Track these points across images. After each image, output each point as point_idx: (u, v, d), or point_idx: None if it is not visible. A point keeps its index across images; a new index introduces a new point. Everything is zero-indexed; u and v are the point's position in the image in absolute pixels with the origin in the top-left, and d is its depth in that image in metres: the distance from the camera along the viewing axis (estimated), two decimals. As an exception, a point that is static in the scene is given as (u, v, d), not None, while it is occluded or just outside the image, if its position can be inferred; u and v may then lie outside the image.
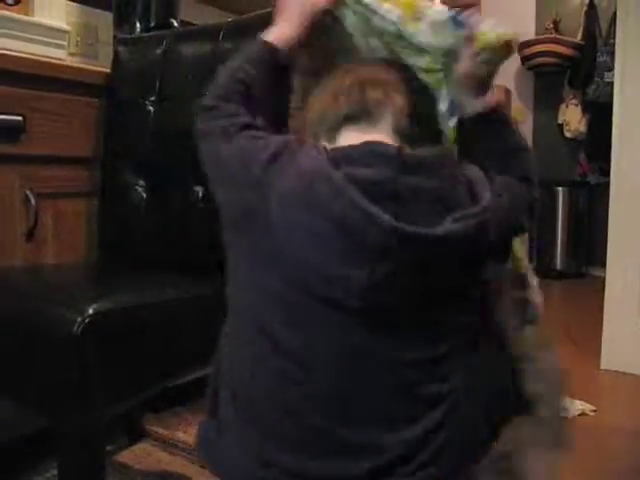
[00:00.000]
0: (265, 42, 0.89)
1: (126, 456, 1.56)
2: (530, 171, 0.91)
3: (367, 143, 0.73)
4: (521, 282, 0.94)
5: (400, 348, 0.70)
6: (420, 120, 0.79)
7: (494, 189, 0.76)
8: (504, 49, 0.84)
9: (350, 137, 0.77)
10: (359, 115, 0.78)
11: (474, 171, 0.77)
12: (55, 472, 1.42)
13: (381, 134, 0.77)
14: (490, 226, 0.72)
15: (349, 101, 0.79)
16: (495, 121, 0.89)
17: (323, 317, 0.69)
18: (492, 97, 0.89)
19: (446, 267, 0.70)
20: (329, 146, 0.77)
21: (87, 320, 0.94)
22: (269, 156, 0.74)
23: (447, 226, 0.68)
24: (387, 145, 0.74)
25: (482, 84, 0.88)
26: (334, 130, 0.79)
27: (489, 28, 0.84)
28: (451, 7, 0.88)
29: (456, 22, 0.86)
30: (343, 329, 0.69)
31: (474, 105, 0.88)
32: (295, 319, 0.70)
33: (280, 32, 0.91)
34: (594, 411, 1.92)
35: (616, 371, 2.32)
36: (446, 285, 0.72)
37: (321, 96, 0.83)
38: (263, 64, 0.88)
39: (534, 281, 0.96)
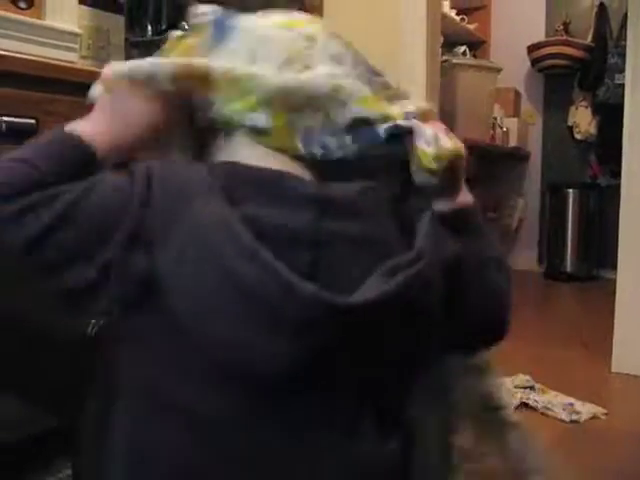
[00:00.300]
0: (64, 132, 0.65)
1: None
2: (500, 283, 0.74)
3: (277, 175, 0.61)
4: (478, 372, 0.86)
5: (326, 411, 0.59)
6: None
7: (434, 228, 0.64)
8: (448, 168, 0.67)
9: (245, 143, 0.66)
10: None
11: (410, 204, 0.67)
12: (69, 472, 1.43)
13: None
14: (428, 274, 0.60)
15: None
16: (462, 228, 0.71)
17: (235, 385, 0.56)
18: (460, 200, 0.72)
19: (383, 331, 0.59)
20: (217, 154, 0.67)
21: (101, 321, 0.94)
22: (139, 200, 0.58)
23: (376, 288, 0.56)
24: (303, 180, 0.62)
25: (448, 187, 0.71)
26: (226, 132, 0.67)
27: (427, 143, 0.66)
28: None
29: (393, 135, 0.66)
30: (254, 396, 0.57)
31: (437, 204, 0.70)
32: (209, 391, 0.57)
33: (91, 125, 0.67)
34: (605, 414, 1.91)
35: (627, 374, 2.31)
36: (385, 349, 0.61)
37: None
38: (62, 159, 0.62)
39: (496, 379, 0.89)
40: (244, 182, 0.60)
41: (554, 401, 1.97)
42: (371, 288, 0.56)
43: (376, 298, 0.55)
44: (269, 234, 0.56)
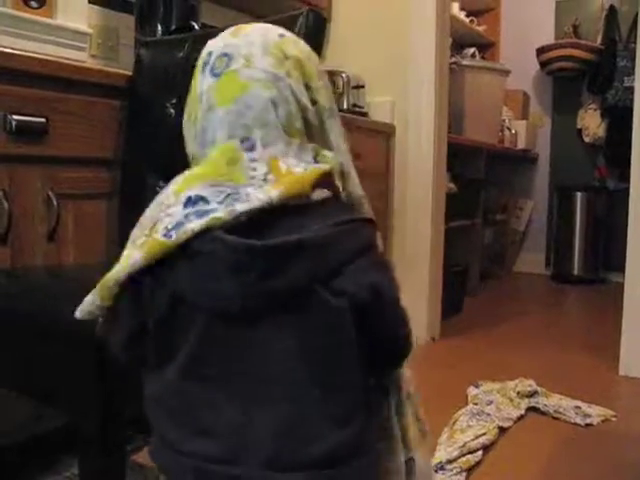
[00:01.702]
0: None
1: (143, 456, 1.57)
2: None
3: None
4: None
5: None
6: None
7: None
8: None
9: None
10: None
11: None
12: (75, 471, 1.43)
13: None
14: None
15: None
16: None
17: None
18: None
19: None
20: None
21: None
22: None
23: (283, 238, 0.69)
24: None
25: None
26: None
27: None
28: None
29: None
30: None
31: None
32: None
33: None
34: (615, 416, 1.91)
35: (635, 377, 2.31)
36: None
37: None
38: None
39: None
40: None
41: (564, 405, 1.97)
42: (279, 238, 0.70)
43: (281, 243, 0.68)
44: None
